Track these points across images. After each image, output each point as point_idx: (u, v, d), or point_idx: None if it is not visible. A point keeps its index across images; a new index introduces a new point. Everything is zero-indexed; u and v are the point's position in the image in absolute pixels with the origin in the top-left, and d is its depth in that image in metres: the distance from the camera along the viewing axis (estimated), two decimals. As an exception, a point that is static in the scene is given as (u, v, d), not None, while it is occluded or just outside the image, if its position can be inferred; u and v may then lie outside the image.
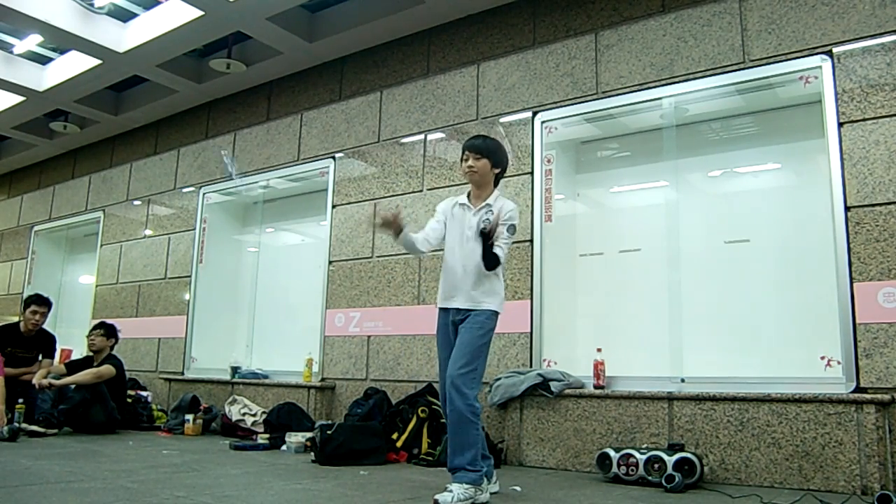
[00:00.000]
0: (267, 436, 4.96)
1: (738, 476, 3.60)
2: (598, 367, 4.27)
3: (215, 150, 6.97)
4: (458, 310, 3.12)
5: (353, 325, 5.47)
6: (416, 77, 5.58)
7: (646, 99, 4.48)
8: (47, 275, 8.83)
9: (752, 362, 4.12)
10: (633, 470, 3.54)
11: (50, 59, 6.77)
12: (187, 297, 6.79)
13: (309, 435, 4.57)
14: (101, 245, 7.95)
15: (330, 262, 5.76)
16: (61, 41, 6.10)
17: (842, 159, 3.73)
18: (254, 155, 6.59)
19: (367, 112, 5.81)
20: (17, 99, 7.11)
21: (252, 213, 7.05)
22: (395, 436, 4.40)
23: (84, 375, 5.33)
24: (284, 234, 7.02)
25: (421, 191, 5.32)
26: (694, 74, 4.31)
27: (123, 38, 5.95)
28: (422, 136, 5.43)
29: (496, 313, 3.11)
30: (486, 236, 2.95)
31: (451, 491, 2.80)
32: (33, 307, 5.72)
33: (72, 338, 7.42)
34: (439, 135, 5.35)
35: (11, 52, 6.63)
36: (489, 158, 3.17)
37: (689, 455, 3.43)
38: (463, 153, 3.23)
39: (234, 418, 5.45)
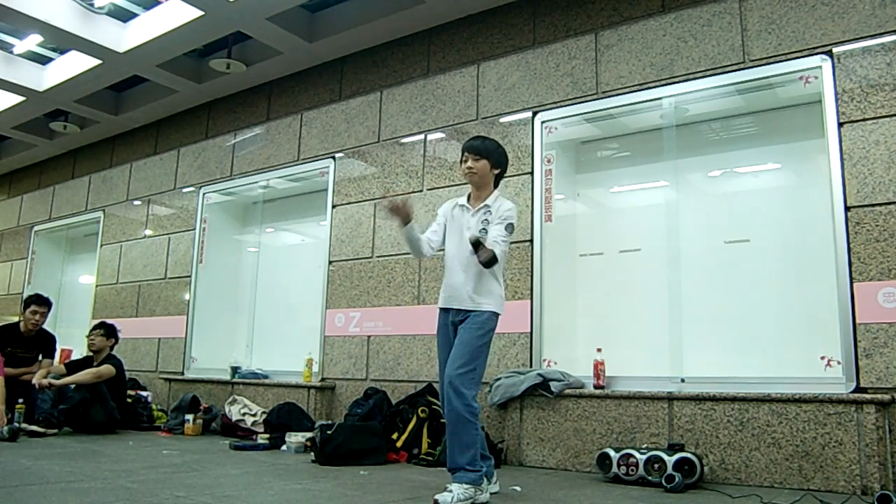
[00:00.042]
0: (267, 436, 4.96)
1: (738, 476, 3.60)
2: (598, 367, 4.27)
3: (215, 150, 6.97)
4: (457, 310, 3.12)
5: (353, 325, 5.47)
6: (416, 77, 5.58)
7: (646, 99, 4.48)
8: (47, 275, 8.83)
9: (752, 362, 4.11)
10: (633, 470, 3.54)
11: (50, 59, 6.77)
12: (187, 297, 6.79)
13: (309, 435, 4.58)
14: (101, 245, 7.95)
15: (330, 262, 5.76)
16: (61, 41, 6.10)
17: (842, 159, 3.73)
18: (254, 155, 6.60)
19: (367, 112, 5.81)
20: (17, 99, 7.11)
21: (252, 213, 7.05)
22: (395, 436, 4.40)
23: (84, 375, 5.33)
24: (284, 234, 7.02)
25: (421, 191, 5.32)
26: (694, 74, 4.31)
27: (123, 38, 5.95)
28: (422, 136, 5.43)
29: (496, 314, 3.11)
30: (476, 247, 2.97)
31: (450, 491, 2.80)
32: (33, 307, 5.72)
33: (72, 338, 7.43)
34: (439, 135, 5.35)
35: (11, 52, 6.63)
36: (488, 159, 3.18)
37: (689, 455, 3.43)
38: (462, 154, 3.23)
39: (234, 418, 5.45)
